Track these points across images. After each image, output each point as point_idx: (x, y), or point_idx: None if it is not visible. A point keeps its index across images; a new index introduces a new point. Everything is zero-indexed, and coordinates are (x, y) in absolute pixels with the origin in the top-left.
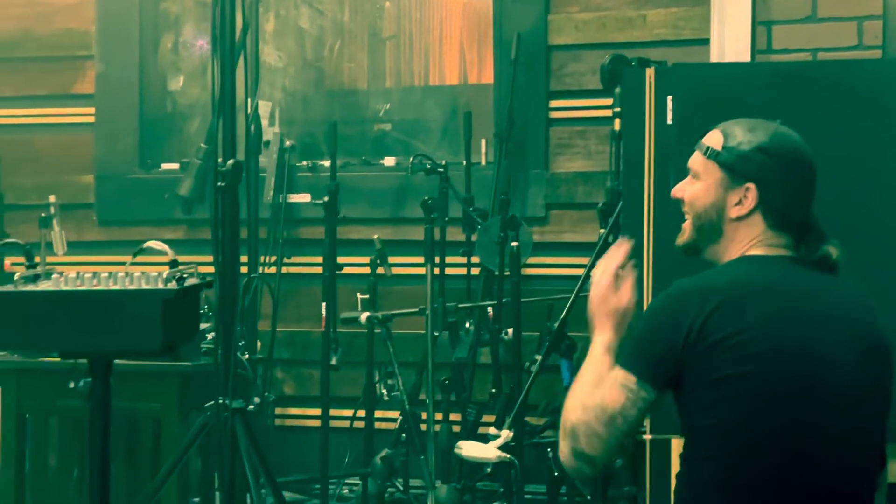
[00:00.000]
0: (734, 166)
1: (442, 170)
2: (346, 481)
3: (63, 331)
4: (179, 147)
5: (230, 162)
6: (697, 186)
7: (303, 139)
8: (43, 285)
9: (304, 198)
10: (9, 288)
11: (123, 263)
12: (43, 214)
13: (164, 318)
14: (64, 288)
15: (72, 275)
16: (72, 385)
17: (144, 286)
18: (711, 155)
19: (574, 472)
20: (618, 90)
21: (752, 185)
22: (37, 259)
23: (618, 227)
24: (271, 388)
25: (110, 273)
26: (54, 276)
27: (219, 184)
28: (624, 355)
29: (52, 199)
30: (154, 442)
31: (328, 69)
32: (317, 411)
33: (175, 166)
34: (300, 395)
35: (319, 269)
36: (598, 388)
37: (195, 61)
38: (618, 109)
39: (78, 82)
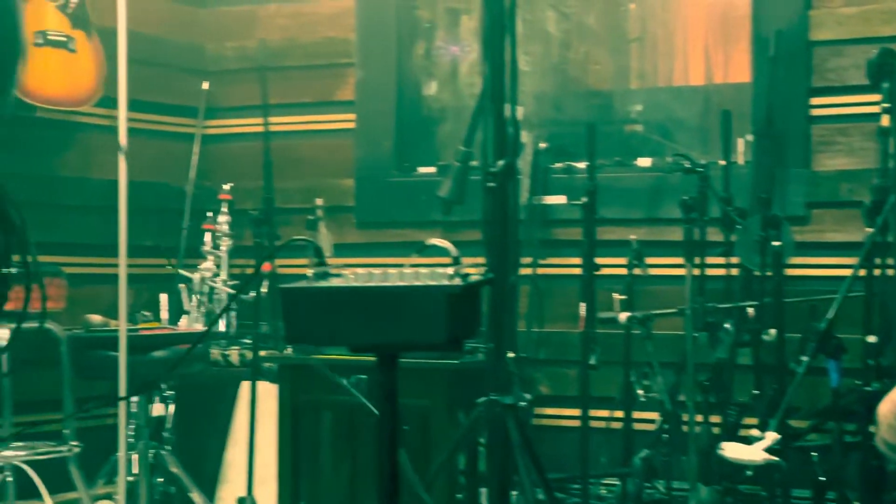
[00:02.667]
0: None
1: (702, 169)
2: (604, 481)
3: (353, 325)
4: (434, 151)
5: (500, 162)
6: None
7: (553, 141)
8: (334, 281)
9: (559, 199)
10: (302, 284)
11: (382, 265)
12: (310, 217)
13: (448, 312)
14: (355, 284)
15: (361, 271)
16: (343, 381)
17: (430, 282)
18: None
19: (887, 459)
20: (886, 85)
21: None
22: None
23: (886, 226)
24: (528, 388)
25: (398, 270)
26: (344, 273)
27: (489, 184)
28: None
29: (318, 202)
30: (423, 438)
31: (574, 71)
32: (573, 411)
33: (431, 170)
34: (556, 395)
35: (574, 270)
36: None
37: (447, 67)
38: (886, 105)
39: (339, 89)
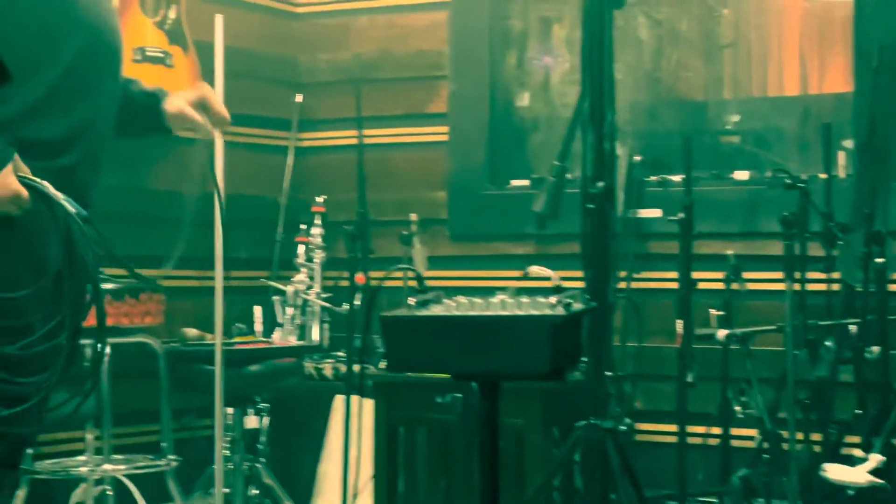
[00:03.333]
0: None
1: (803, 185)
2: (702, 499)
3: (455, 354)
4: (527, 162)
5: (600, 184)
6: None
7: (647, 153)
8: (435, 310)
9: (654, 213)
10: (403, 312)
11: (475, 278)
12: (404, 232)
13: (551, 342)
14: (456, 313)
15: (462, 300)
16: (438, 399)
17: (533, 312)
18: None
19: None
20: None
21: None
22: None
23: None
24: (623, 404)
25: (499, 298)
26: (445, 300)
27: (588, 206)
28: None
29: (413, 217)
30: (517, 456)
31: (666, 79)
32: (668, 427)
33: (524, 182)
34: (651, 410)
35: (669, 284)
36: None
37: (539, 77)
38: None
39: (432, 101)
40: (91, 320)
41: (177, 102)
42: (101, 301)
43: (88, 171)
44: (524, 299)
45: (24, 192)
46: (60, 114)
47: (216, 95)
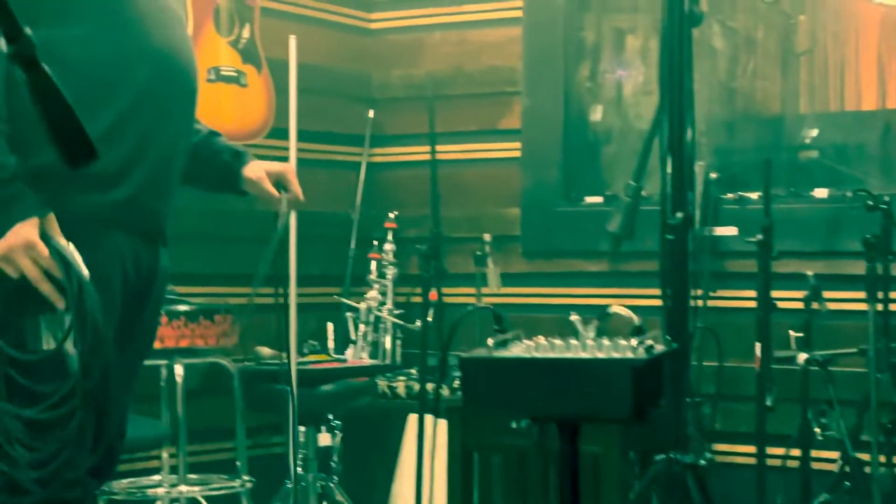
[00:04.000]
0: None
1: (885, 206)
2: None
3: (534, 396)
4: (601, 178)
5: (679, 214)
6: None
7: (723, 170)
8: (515, 350)
9: (731, 231)
10: (482, 352)
11: (548, 295)
12: (478, 253)
13: (633, 386)
14: (536, 355)
15: (542, 340)
16: (514, 425)
17: (614, 355)
18: None
19: None
20: None
21: None
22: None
23: None
24: (700, 428)
25: (579, 339)
26: (524, 341)
27: (667, 236)
28: None
29: (486, 237)
30: (594, 484)
31: (742, 89)
32: (746, 448)
33: (598, 199)
34: (727, 431)
35: (746, 303)
36: None
37: (612, 90)
38: None
39: (505, 117)
40: (168, 342)
41: (257, 170)
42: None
43: (156, 198)
44: (605, 341)
45: (41, 247)
46: (120, 145)
47: (295, 175)
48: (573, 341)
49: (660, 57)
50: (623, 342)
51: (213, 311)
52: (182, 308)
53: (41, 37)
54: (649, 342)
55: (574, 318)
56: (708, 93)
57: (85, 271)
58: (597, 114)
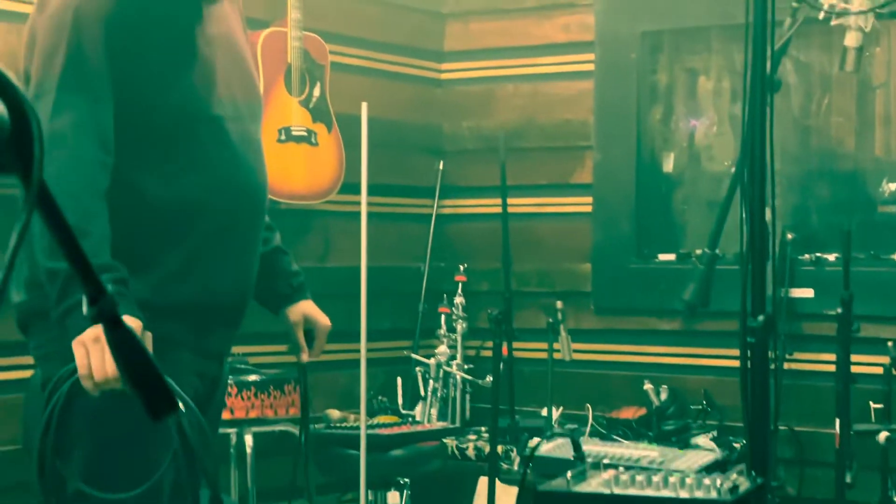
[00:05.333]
0: None
1: None
2: None
3: None
4: (675, 233)
5: (760, 318)
6: None
7: (798, 227)
8: (593, 484)
9: (807, 293)
10: (561, 485)
11: (619, 353)
12: (549, 320)
13: None
14: (615, 491)
15: (623, 474)
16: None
17: (698, 495)
18: None
19: None
20: None
21: None
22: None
23: None
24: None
25: (661, 474)
26: (602, 473)
27: (748, 339)
28: None
29: (559, 305)
30: None
31: (816, 126)
32: None
33: (671, 256)
34: (805, 497)
35: (824, 367)
36: None
37: (685, 138)
38: None
39: (576, 171)
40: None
41: (298, 316)
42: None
43: (224, 326)
44: (689, 479)
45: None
46: (193, 277)
47: (326, 335)
48: (655, 477)
49: (742, 138)
50: (707, 480)
51: (282, 381)
52: (252, 378)
53: (124, 177)
54: (734, 479)
55: (647, 387)
56: (782, 130)
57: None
58: (669, 164)
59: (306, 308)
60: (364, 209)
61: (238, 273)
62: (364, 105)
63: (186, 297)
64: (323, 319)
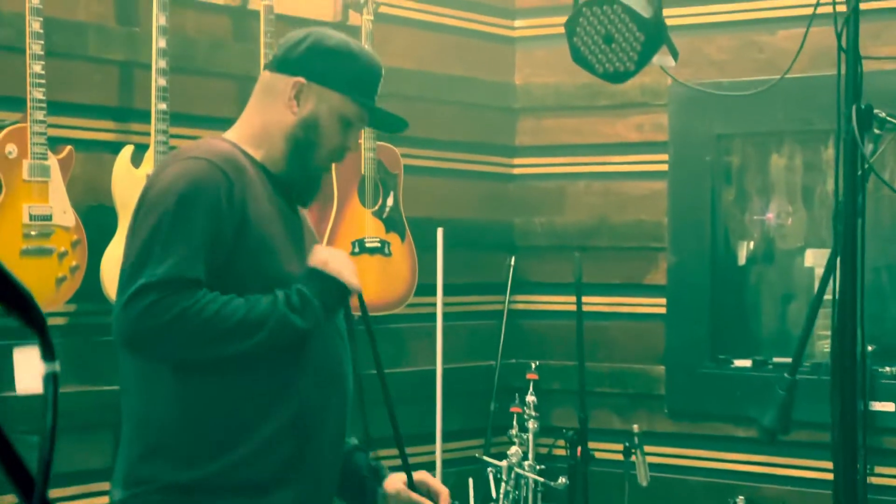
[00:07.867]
0: None
1: None
2: None
3: None
4: (752, 337)
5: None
6: None
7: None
8: None
9: (888, 406)
10: None
11: (694, 458)
12: (626, 444)
13: None
14: None
15: None
16: None
17: None
18: None
19: None
20: None
21: None
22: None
23: None
24: None
25: None
26: None
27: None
28: None
29: (635, 428)
30: None
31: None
32: None
33: (747, 363)
34: None
35: None
36: None
37: (758, 230)
38: None
39: (650, 273)
40: None
41: (396, 483)
42: None
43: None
44: None
45: None
46: (274, 457)
47: (432, 477)
48: None
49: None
50: None
51: None
52: None
53: (207, 379)
54: None
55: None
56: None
57: None
58: (742, 255)
59: (398, 476)
60: (440, 326)
61: (323, 452)
62: (440, 231)
63: (267, 474)
64: (420, 472)
